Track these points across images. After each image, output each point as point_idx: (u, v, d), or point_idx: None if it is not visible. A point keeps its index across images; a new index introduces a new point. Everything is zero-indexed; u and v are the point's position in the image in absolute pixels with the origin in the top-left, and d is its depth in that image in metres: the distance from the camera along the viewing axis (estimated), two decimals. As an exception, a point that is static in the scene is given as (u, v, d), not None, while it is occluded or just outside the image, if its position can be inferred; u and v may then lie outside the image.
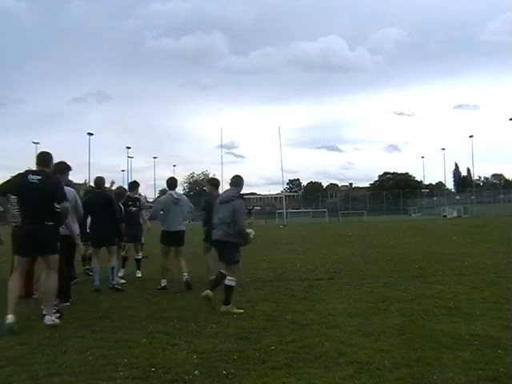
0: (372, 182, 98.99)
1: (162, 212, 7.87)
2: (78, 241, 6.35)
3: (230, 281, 5.82)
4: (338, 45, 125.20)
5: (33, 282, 6.42)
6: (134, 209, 9.08)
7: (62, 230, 6.07)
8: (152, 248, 10.70)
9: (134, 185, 10.02)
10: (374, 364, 3.68)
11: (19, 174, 5.49)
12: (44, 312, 5.44)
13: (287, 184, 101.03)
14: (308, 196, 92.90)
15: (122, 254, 9.15)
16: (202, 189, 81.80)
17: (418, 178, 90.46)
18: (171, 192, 7.84)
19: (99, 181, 8.07)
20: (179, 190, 8.18)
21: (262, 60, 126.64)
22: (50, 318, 5.17)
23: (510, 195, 57.73)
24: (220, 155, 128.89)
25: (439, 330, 4.66)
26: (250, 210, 47.47)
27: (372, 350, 4.06)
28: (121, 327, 5.02)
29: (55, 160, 5.90)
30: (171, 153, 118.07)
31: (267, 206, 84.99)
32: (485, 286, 7.09)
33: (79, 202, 6.57)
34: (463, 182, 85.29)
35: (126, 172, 68.25)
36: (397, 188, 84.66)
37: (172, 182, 8.00)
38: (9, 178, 6.05)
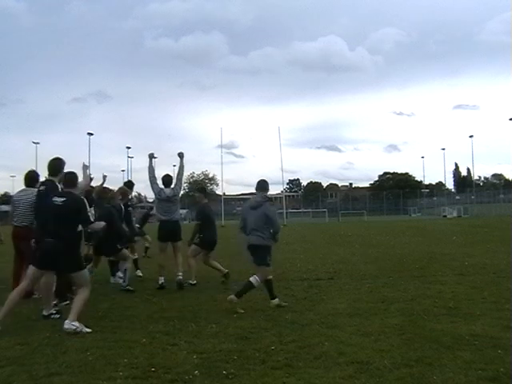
0: (372, 182, 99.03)
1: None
2: None
3: (255, 280, 5.97)
4: (338, 45, 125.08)
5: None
6: (129, 209, 9.08)
7: None
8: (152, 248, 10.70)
9: (129, 185, 9.97)
10: (374, 364, 3.68)
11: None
12: (44, 313, 5.45)
13: (287, 184, 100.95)
14: (308, 196, 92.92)
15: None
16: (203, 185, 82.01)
17: (418, 178, 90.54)
18: (165, 190, 7.76)
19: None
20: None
21: (262, 60, 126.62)
22: (70, 323, 4.89)
23: (510, 195, 57.74)
24: (220, 155, 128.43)
25: (439, 329, 4.66)
26: None
27: (372, 349, 4.06)
28: (121, 327, 5.02)
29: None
30: (171, 153, 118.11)
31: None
32: (485, 285, 7.09)
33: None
34: (463, 182, 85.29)
35: (126, 172, 68.25)
36: (397, 188, 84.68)
37: (168, 180, 7.92)
38: (9, 177, 6.19)
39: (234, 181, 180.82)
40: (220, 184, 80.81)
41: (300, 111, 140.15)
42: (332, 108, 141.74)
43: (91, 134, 59.65)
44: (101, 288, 7.48)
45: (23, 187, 6.88)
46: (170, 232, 7.74)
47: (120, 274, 8.53)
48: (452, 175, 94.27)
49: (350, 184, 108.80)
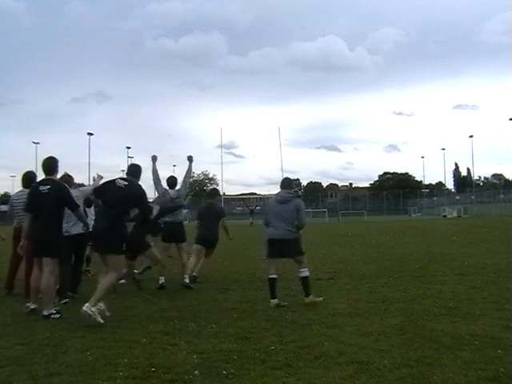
0: (372, 182, 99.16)
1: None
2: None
3: (303, 272, 6.13)
4: (337, 45, 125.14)
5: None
6: None
7: (74, 229, 6.54)
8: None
9: None
10: (374, 364, 3.68)
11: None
12: (44, 313, 5.44)
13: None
14: (308, 196, 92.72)
15: None
16: (202, 188, 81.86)
17: (418, 178, 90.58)
18: (170, 191, 7.84)
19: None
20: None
21: (262, 60, 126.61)
22: (89, 308, 5.07)
23: (510, 195, 57.70)
24: (220, 155, 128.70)
25: (439, 329, 4.65)
26: (252, 210, 47.43)
27: (372, 350, 4.05)
28: (121, 327, 5.01)
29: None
30: (171, 153, 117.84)
31: (267, 205, 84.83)
32: (485, 285, 7.09)
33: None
34: (463, 182, 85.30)
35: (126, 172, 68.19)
36: (397, 188, 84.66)
37: (172, 182, 8.00)
38: (9, 177, 6.25)
39: (234, 181, 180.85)
40: (220, 184, 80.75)
41: (300, 111, 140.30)
42: (332, 108, 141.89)
43: (91, 134, 59.75)
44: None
45: (21, 188, 6.94)
46: (173, 233, 7.80)
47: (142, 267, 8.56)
48: (452, 175, 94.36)
49: (350, 184, 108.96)
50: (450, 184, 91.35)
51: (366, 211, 61.04)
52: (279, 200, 6.33)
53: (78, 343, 4.39)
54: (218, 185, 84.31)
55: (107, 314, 5.27)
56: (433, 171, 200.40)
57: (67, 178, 7.00)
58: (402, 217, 62.06)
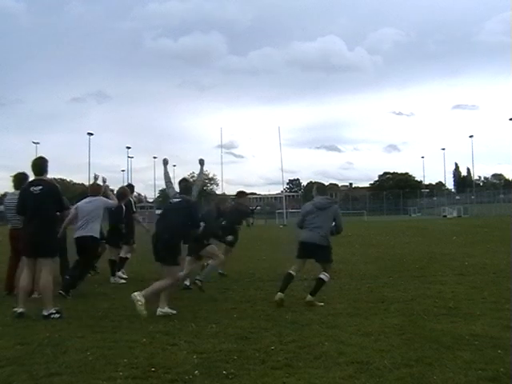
0: (372, 182, 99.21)
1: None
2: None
3: (324, 275, 6.24)
4: (337, 45, 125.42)
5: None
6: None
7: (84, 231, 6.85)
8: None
9: (131, 188, 9.78)
10: (374, 364, 3.68)
11: None
12: (44, 313, 5.44)
13: (287, 184, 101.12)
14: (308, 196, 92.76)
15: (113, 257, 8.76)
16: (202, 188, 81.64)
17: (418, 178, 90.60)
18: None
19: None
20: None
21: (261, 60, 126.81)
22: (161, 311, 5.60)
23: (510, 195, 57.72)
24: (220, 155, 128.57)
25: (439, 329, 4.65)
26: (253, 210, 47.33)
27: (372, 350, 4.05)
28: (121, 327, 5.02)
29: (55, 159, 6.01)
30: (171, 153, 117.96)
31: (267, 205, 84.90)
32: (485, 285, 7.09)
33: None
34: (463, 182, 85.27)
35: (126, 172, 68.23)
36: (397, 188, 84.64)
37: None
38: (9, 177, 6.29)
39: (234, 181, 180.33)
40: (220, 184, 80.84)
41: (300, 111, 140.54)
42: (332, 108, 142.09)
43: (91, 134, 59.73)
44: (101, 288, 7.48)
45: (13, 190, 6.98)
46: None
47: (121, 273, 8.54)
48: (452, 175, 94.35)
49: (350, 184, 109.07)
50: (450, 184, 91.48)
51: (366, 211, 61.06)
52: (318, 206, 6.46)
53: (78, 343, 4.39)
54: (217, 185, 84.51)
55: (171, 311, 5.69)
56: (433, 171, 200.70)
57: (96, 187, 7.39)
58: (402, 217, 62.06)
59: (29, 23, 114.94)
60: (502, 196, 60.95)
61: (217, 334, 4.70)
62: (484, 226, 25.74)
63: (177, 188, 7.72)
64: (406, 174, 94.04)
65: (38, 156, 6.00)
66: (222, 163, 70.66)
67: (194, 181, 7.84)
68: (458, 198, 71.12)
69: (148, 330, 4.83)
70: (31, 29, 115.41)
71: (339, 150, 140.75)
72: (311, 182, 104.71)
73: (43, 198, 5.55)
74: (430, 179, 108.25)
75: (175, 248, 5.79)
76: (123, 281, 8.34)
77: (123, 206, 8.44)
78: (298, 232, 6.74)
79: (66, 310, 5.69)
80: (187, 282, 7.61)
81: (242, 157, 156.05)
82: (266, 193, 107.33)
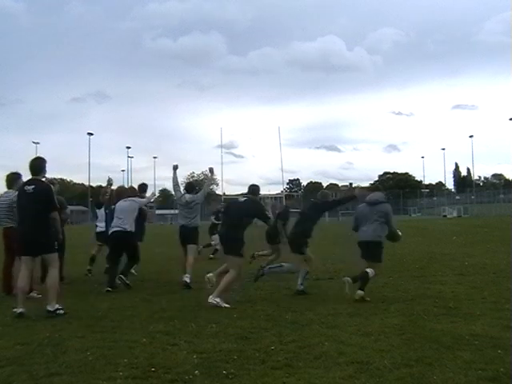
0: (372, 182, 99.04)
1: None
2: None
3: (370, 270, 6.36)
4: (336, 45, 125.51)
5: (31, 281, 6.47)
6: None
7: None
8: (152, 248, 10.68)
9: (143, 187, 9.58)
10: (374, 364, 3.68)
11: None
12: (49, 308, 5.46)
13: (287, 184, 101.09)
14: (308, 196, 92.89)
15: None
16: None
17: (418, 178, 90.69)
18: (186, 196, 8.15)
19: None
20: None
21: (261, 60, 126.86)
22: (214, 299, 5.93)
23: (510, 195, 57.76)
24: (220, 155, 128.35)
25: (439, 329, 4.65)
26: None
27: (372, 350, 4.05)
28: (121, 327, 5.01)
29: (55, 159, 6.04)
30: (171, 153, 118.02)
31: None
32: (485, 285, 7.09)
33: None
34: (463, 182, 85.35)
35: (125, 172, 68.26)
36: (397, 188, 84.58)
37: (190, 187, 8.53)
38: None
39: (234, 181, 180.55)
40: (220, 184, 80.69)
41: (300, 111, 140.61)
42: (331, 108, 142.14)
43: (91, 134, 59.81)
44: (101, 288, 7.48)
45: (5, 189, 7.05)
46: (187, 236, 8.01)
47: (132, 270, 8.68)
48: (452, 175, 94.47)
49: (350, 184, 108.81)
50: (450, 184, 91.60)
51: (366, 211, 60.90)
52: (369, 202, 6.67)
53: (78, 343, 4.39)
54: (217, 185, 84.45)
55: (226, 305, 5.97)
56: (433, 171, 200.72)
57: (132, 189, 8.02)
58: (402, 217, 61.92)
59: (29, 23, 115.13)
60: (502, 196, 60.99)
61: (217, 333, 4.70)
62: (484, 225, 25.75)
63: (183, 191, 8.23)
64: (406, 173, 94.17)
65: (36, 156, 6.05)
66: (222, 163, 70.43)
67: (196, 181, 8.47)
68: (458, 198, 71.18)
69: (148, 330, 4.83)
70: (31, 29, 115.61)
71: (339, 150, 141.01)
72: (311, 182, 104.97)
73: (35, 198, 5.59)
74: (429, 179, 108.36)
75: (239, 241, 6.29)
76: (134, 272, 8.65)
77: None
78: (354, 234, 7.07)
79: (66, 310, 5.69)
80: (187, 280, 7.61)
81: (242, 157, 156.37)
82: (266, 193, 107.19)
